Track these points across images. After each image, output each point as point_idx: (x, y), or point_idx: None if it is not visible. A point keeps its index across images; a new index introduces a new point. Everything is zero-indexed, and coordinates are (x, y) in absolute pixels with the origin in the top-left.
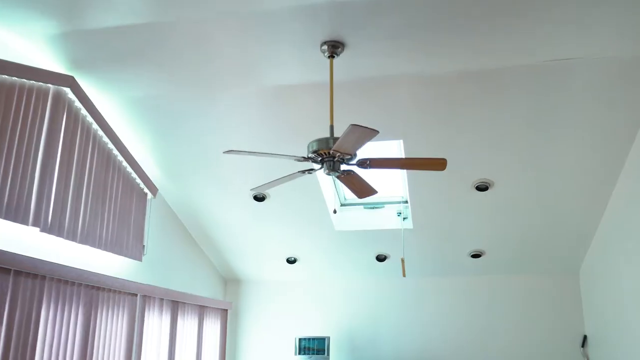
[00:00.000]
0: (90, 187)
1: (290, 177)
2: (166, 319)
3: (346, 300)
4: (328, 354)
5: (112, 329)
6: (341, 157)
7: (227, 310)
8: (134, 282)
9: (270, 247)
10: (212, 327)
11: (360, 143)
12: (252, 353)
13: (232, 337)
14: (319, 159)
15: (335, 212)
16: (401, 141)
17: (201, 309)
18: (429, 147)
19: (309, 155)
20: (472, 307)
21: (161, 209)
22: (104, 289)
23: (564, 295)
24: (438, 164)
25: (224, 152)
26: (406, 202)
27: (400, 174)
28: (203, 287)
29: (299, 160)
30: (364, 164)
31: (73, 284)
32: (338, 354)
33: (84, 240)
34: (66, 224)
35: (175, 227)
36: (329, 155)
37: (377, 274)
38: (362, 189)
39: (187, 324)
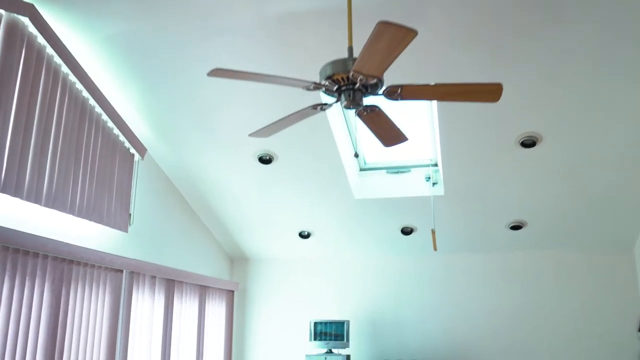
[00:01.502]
0: (59, 141)
1: (299, 115)
2: (159, 300)
3: (367, 279)
4: (347, 340)
5: (90, 310)
6: (364, 82)
7: (233, 291)
8: (119, 256)
9: (280, 220)
10: (216, 310)
11: (391, 55)
12: (263, 339)
13: (240, 322)
14: (335, 87)
15: (357, 155)
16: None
17: (202, 290)
18: None
19: (323, 83)
20: (510, 287)
21: (152, 173)
22: (78, 262)
23: (617, 274)
24: (491, 92)
25: (208, 74)
26: (436, 165)
27: (430, 132)
28: (206, 266)
29: (308, 89)
30: (394, 93)
31: (36, 255)
32: (358, 340)
33: (50, 204)
34: (26, 183)
35: (170, 196)
36: (348, 81)
37: (402, 249)
38: (390, 133)
39: (186, 307)
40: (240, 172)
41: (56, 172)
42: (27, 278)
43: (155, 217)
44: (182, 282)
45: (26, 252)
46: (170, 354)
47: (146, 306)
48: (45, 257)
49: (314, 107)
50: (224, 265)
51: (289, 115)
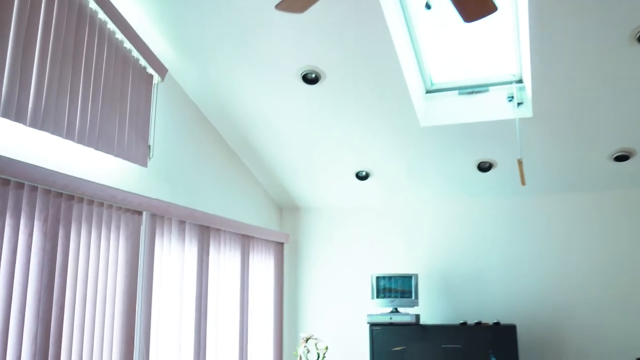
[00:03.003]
0: (58, 54)
1: None
2: (191, 250)
3: (437, 226)
4: (416, 297)
5: (100, 258)
6: None
7: (283, 244)
8: (136, 194)
9: (333, 157)
10: (263, 265)
11: None
12: (318, 298)
13: (291, 279)
14: None
15: (429, 6)
16: None
17: (245, 241)
18: None
19: None
20: (616, 233)
21: (176, 99)
22: (80, 198)
23: None
24: None
25: None
26: (520, 81)
27: (513, 39)
28: (249, 216)
29: None
30: None
31: (20, 185)
32: (428, 297)
33: (45, 126)
34: (16, 100)
35: (199, 128)
36: None
37: (479, 189)
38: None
39: (225, 259)
40: (284, 96)
41: (55, 90)
42: (7, 215)
43: (181, 152)
44: (219, 230)
45: (5, 182)
46: (206, 312)
47: (174, 257)
48: (33, 189)
49: None
50: (272, 215)
51: None
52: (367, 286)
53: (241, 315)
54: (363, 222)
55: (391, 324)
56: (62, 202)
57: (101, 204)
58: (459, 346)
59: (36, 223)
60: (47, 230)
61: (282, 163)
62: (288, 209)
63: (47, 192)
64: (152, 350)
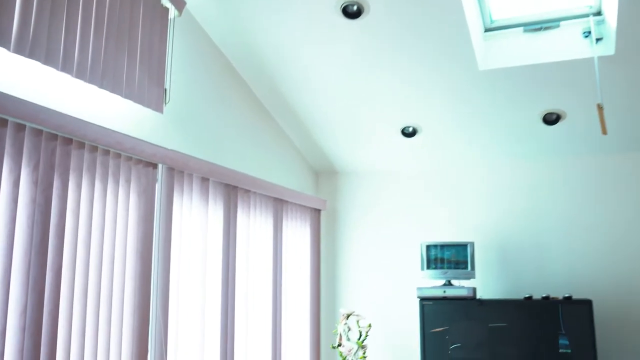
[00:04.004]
0: None
1: None
2: (216, 211)
3: (494, 189)
4: (472, 268)
5: (106, 215)
6: None
7: (320, 211)
8: (150, 143)
9: (376, 111)
10: (298, 232)
11: None
12: (360, 270)
13: (329, 249)
14: None
15: None
16: None
17: (278, 205)
18: None
19: None
20: None
21: (196, 39)
22: (81, 143)
23: None
24: None
25: None
26: (599, 13)
27: None
28: (280, 179)
29: None
30: None
31: (3, 123)
32: (484, 267)
33: (35, 54)
34: (14, 29)
35: (224, 75)
36: None
37: (544, 146)
38: None
39: (254, 224)
40: (319, 33)
41: (48, 15)
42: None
43: (202, 100)
44: (248, 191)
45: None
46: (234, 279)
47: (196, 220)
48: (20, 127)
49: None
50: (307, 180)
51: None
52: (414, 257)
53: (274, 288)
54: (409, 185)
55: (445, 298)
56: (57, 147)
57: (107, 152)
58: (523, 323)
59: (24, 170)
60: (38, 179)
61: (318, 118)
62: (325, 173)
63: (38, 132)
64: (171, 326)
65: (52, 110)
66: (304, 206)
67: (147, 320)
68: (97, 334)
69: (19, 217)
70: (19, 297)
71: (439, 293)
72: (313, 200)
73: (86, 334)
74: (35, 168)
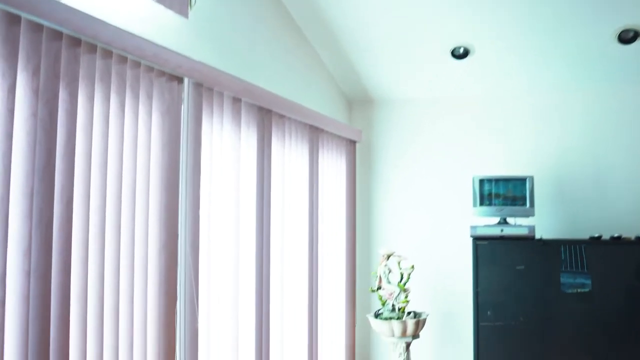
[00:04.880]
0: None
1: None
2: (249, 135)
3: (557, 117)
4: (531, 204)
5: (124, 134)
6: None
7: (355, 142)
8: (175, 52)
9: (422, 27)
10: (333, 165)
11: None
12: (402, 208)
13: (364, 184)
14: None
15: None
16: None
17: (314, 133)
18: None
19: None
20: None
21: None
22: (92, 47)
23: None
24: None
25: None
26: None
27: None
28: (309, 105)
29: None
30: None
31: None
32: (544, 204)
33: None
34: None
35: None
36: None
37: (618, 68)
38: None
39: (290, 151)
40: None
41: None
42: None
43: (231, 9)
44: (283, 116)
45: None
46: (269, 214)
47: (227, 144)
48: (13, 19)
49: None
50: (339, 109)
51: None
52: (468, 192)
53: (310, 225)
54: (458, 114)
55: (502, 238)
56: (62, 49)
57: (123, 60)
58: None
59: (21, 75)
60: (40, 87)
61: (356, 36)
62: (359, 101)
63: (37, 28)
64: (202, 266)
65: (55, 1)
66: (340, 136)
67: (175, 260)
68: (119, 279)
69: (17, 133)
70: (21, 234)
71: (495, 232)
72: (349, 130)
73: (105, 278)
74: (35, 73)
